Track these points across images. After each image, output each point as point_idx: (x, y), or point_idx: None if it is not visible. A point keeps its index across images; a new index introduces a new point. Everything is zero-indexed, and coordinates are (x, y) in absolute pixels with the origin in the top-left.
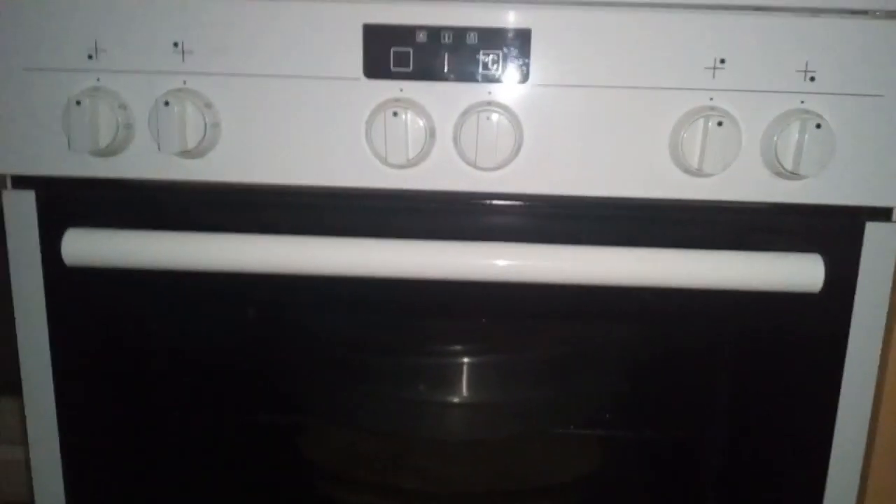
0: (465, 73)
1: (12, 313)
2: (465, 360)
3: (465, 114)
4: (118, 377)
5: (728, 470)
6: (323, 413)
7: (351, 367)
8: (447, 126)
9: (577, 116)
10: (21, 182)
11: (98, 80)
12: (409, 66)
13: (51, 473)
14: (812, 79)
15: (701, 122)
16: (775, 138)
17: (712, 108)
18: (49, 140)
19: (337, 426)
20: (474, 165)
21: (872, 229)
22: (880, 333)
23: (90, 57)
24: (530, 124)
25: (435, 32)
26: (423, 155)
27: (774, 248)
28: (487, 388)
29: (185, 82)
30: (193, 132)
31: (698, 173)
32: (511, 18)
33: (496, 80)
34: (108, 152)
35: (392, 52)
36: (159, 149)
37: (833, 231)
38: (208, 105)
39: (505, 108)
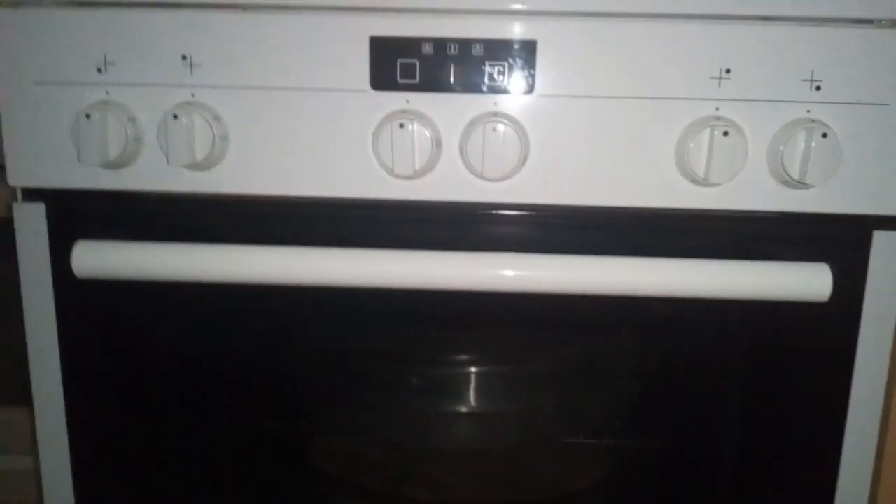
0: (472, 84)
1: (22, 324)
2: (473, 369)
3: (472, 125)
4: (127, 387)
5: (737, 480)
6: (330, 422)
7: (358, 376)
8: (453, 137)
9: (583, 127)
10: (31, 195)
11: (107, 93)
12: (415, 77)
13: (60, 483)
14: (818, 88)
15: (707, 131)
16: (781, 147)
17: (718, 118)
18: (59, 153)
19: (344, 435)
20: (481, 176)
21: (880, 238)
22: (889, 341)
23: (99, 70)
24: (536, 135)
25: (441, 44)
26: (429, 166)
27: (781, 258)
28: (495, 398)
29: (193, 95)
30: (202, 145)
31: (705, 183)
32: (517, 30)
33: (502, 91)
34: (118, 165)
35: (398, 64)
36: (168, 161)
37: (840, 240)
38: (216, 118)
39: (511, 119)
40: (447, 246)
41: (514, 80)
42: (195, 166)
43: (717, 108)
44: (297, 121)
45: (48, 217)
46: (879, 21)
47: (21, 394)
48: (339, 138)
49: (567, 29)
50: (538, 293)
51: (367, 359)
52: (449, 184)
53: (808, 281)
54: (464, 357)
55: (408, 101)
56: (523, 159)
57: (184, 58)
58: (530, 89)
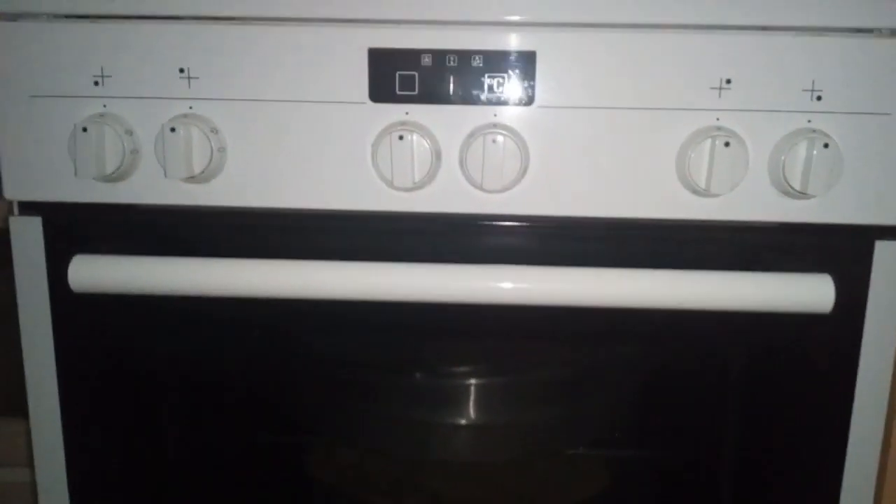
0: (471, 95)
1: (19, 335)
2: (473, 381)
3: (471, 136)
4: (124, 400)
5: (739, 493)
6: (329, 433)
7: (358, 387)
8: (453, 149)
9: (583, 138)
10: (28, 208)
11: (104, 106)
12: (414, 89)
13: (56, 495)
14: (819, 98)
15: (708, 142)
16: (783, 158)
17: (719, 129)
18: (56, 166)
19: (344, 446)
20: (480, 188)
21: (882, 248)
22: (892, 352)
23: (96, 83)
24: (536, 146)
25: (440, 56)
26: (429, 178)
27: (783, 268)
28: (495, 409)
29: (191, 108)
30: (199, 158)
31: (706, 193)
32: (516, 41)
33: (502, 103)
34: (115, 178)
35: (397, 76)
36: (165, 174)
37: (842, 250)
38: (214, 130)
39: (511, 131)
40: (447, 258)
41: (514, 91)
42: (193, 179)
43: (718, 119)
44: (295, 133)
45: (45, 230)
46: (880, 30)
47: (18, 405)
48: (338, 150)
49: (566, 40)
50: (538, 305)
51: (366, 370)
52: (448, 196)
53: (811, 292)
54: (464, 369)
55: (407, 113)
56: (523, 171)
57: (181, 70)
58: (530, 100)
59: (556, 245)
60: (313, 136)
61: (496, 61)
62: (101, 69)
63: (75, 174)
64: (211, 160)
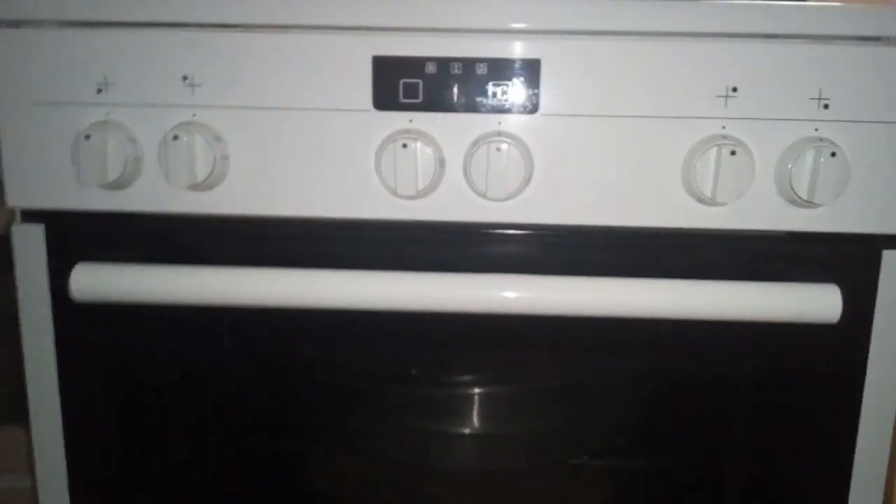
0: (475, 103)
1: (20, 343)
2: (477, 390)
3: (475, 144)
4: (125, 408)
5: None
6: (332, 442)
7: (360, 396)
8: (457, 157)
9: (588, 146)
10: (30, 216)
11: (107, 113)
12: (418, 97)
13: (58, 502)
14: (826, 106)
15: (714, 150)
16: (790, 166)
17: (725, 137)
18: (58, 174)
19: (346, 455)
20: (484, 196)
21: (889, 257)
22: None
23: (99, 91)
24: (540, 154)
25: (444, 63)
26: (432, 186)
27: (790, 278)
28: (499, 419)
29: (194, 115)
30: (203, 165)
31: (712, 202)
32: (520, 49)
33: (506, 111)
34: (117, 186)
35: (401, 84)
36: (168, 182)
37: (849, 259)
38: (217, 138)
39: (515, 139)
40: (451, 267)
41: (518, 99)
42: (196, 187)
43: (724, 127)
44: (299, 141)
45: (47, 238)
46: (887, 38)
47: (20, 412)
48: (342, 158)
49: (571, 47)
50: (543, 315)
51: (370, 379)
52: (452, 204)
53: (818, 302)
54: (468, 378)
55: (411, 121)
56: (527, 179)
57: (185, 78)
58: (534, 108)
59: (561, 254)
60: (317, 143)
61: (500, 69)
62: (104, 76)
63: (78, 182)
64: (214, 168)
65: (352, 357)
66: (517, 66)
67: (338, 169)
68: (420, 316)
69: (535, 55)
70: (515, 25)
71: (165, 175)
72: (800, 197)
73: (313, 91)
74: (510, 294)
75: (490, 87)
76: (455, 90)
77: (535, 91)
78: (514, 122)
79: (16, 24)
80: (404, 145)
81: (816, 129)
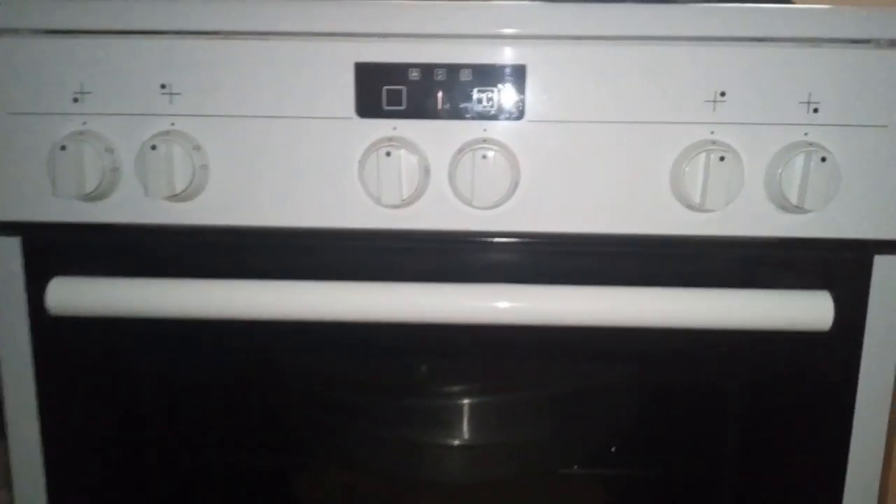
0: (460, 110)
1: None
2: (465, 400)
3: (461, 152)
4: (105, 422)
5: None
6: (320, 454)
7: (348, 407)
8: (442, 164)
9: (575, 153)
10: (6, 228)
11: (84, 123)
12: (401, 104)
13: None
14: (815, 110)
15: (702, 156)
16: (779, 171)
17: (713, 142)
18: (35, 185)
19: (333, 468)
20: (470, 204)
21: (881, 263)
22: (892, 369)
23: (76, 100)
24: (527, 161)
25: (428, 70)
26: (417, 194)
27: (781, 284)
28: (487, 429)
29: (172, 124)
30: (181, 176)
31: (701, 209)
32: (505, 55)
33: (491, 118)
34: (95, 197)
35: (384, 91)
36: (146, 193)
37: (841, 265)
38: (196, 147)
39: (501, 146)
40: (437, 276)
41: (504, 105)
42: (175, 198)
43: (713, 132)
44: (280, 150)
45: (24, 251)
46: (876, 41)
47: None
48: (325, 167)
49: (557, 53)
50: (531, 325)
51: (356, 390)
52: (438, 212)
53: (810, 310)
54: (456, 388)
55: (394, 129)
56: (514, 186)
57: (163, 86)
58: (520, 115)
59: (548, 262)
60: (298, 152)
61: (485, 75)
62: (81, 85)
63: (54, 193)
64: (193, 178)
65: (337, 368)
66: (502, 71)
67: (320, 178)
68: (406, 326)
69: (521, 61)
70: (500, 31)
71: (144, 186)
72: (790, 202)
73: (294, 99)
74: (498, 304)
75: (475, 94)
76: (439, 97)
77: (521, 97)
78: (499, 129)
79: None
80: (388, 153)
81: (806, 134)
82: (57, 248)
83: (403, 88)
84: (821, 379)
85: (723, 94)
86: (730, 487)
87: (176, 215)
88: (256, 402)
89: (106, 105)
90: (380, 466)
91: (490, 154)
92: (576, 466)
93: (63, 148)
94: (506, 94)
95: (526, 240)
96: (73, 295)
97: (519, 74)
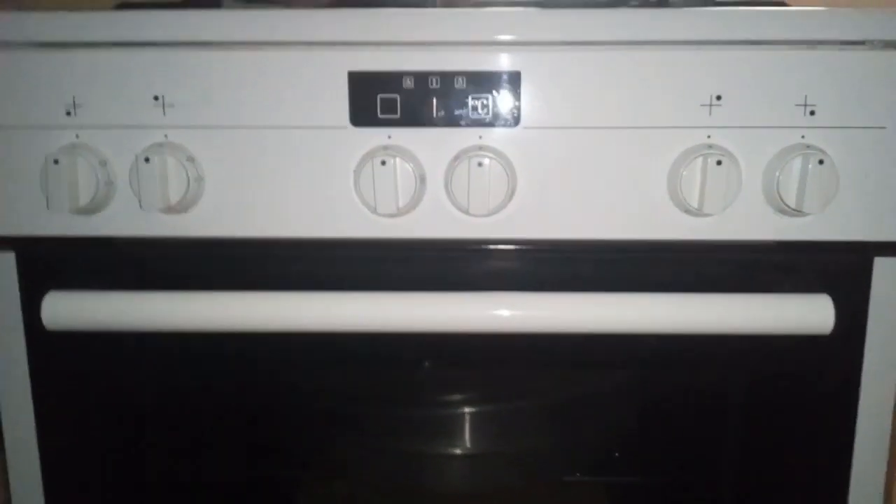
0: (455, 118)
1: None
2: (466, 409)
3: (456, 159)
4: (103, 436)
5: None
6: (320, 466)
7: (346, 418)
8: (438, 172)
9: (572, 159)
10: (0, 243)
11: (77, 136)
12: (396, 112)
13: None
14: (812, 112)
15: (699, 161)
16: (777, 175)
17: (710, 147)
18: (28, 199)
19: (334, 479)
20: (467, 212)
21: (881, 264)
22: (895, 372)
23: (68, 113)
24: (523, 168)
25: (422, 78)
26: (413, 203)
27: (780, 288)
28: (487, 438)
29: (166, 136)
30: (176, 188)
31: (698, 213)
32: (500, 61)
33: (487, 125)
34: (89, 210)
35: (379, 99)
36: (141, 206)
37: (840, 268)
38: (191, 159)
39: (497, 153)
40: (434, 285)
41: (499, 112)
42: (170, 210)
43: (709, 136)
44: (274, 160)
45: (18, 266)
46: (872, 42)
47: None
48: (320, 177)
49: (551, 59)
50: (530, 332)
51: (353, 401)
52: (434, 221)
53: (810, 314)
54: (456, 397)
55: (389, 137)
56: (510, 194)
57: (156, 98)
58: (516, 122)
59: (546, 269)
60: (293, 162)
61: (480, 82)
62: (73, 98)
63: (47, 207)
64: (188, 190)
65: (335, 379)
66: (497, 78)
67: (315, 188)
68: (403, 336)
69: (516, 67)
70: (494, 38)
71: (138, 198)
72: (788, 206)
73: (288, 108)
74: (496, 312)
75: (470, 101)
76: (434, 105)
77: (516, 104)
78: (495, 136)
79: None
80: (383, 162)
81: (803, 137)
82: (52, 263)
83: (398, 97)
84: (822, 383)
85: (719, 97)
86: (732, 493)
87: (171, 227)
88: (254, 415)
89: (99, 118)
90: (380, 477)
91: (486, 161)
92: (578, 474)
93: (56, 161)
94: (501, 101)
95: (523, 247)
96: (69, 309)
97: (514, 81)
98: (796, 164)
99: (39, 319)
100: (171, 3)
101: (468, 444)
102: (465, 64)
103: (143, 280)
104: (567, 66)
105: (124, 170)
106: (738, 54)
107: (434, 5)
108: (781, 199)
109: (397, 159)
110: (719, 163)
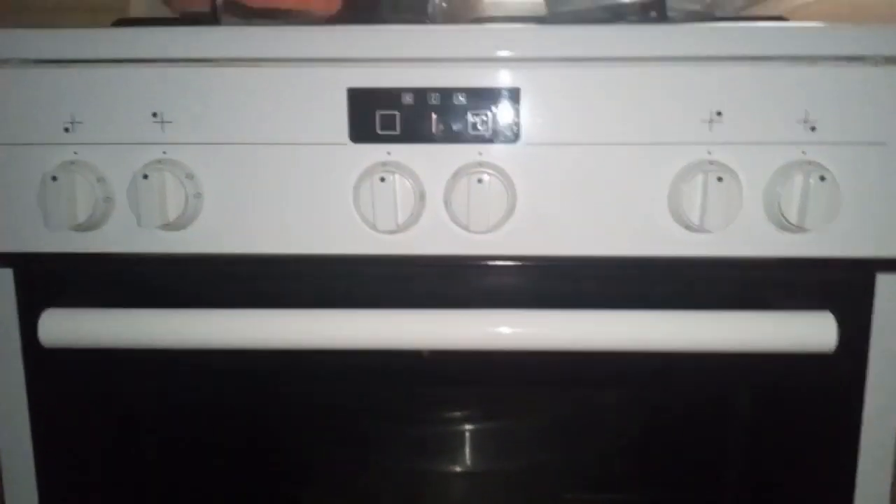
0: (454, 134)
1: None
2: (468, 427)
3: (456, 176)
4: (101, 454)
5: None
6: (322, 483)
7: (345, 435)
8: (437, 189)
9: (572, 175)
10: None
11: (75, 153)
12: (395, 128)
13: None
14: (813, 128)
15: (700, 177)
16: (778, 191)
17: (711, 163)
18: (27, 215)
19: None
20: (466, 229)
21: (883, 281)
22: None
23: (67, 130)
24: (523, 184)
25: (421, 94)
26: (413, 219)
27: (782, 305)
28: (489, 456)
29: (164, 153)
30: (174, 204)
31: (700, 229)
32: (500, 77)
33: (486, 141)
34: (87, 227)
35: (378, 116)
36: (139, 223)
37: (843, 285)
38: (189, 176)
39: (496, 169)
40: (434, 302)
41: (499, 128)
42: (168, 226)
43: (710, 152)
44: (273, 176)
45: (16, 282)
46: (872, 58)
47: None
48: (319, 193)
49: (551, 75)
50: (531, 350)
51: (354, 418)
52: (434, 237)
53: (813, 331)
54: (458, 415)
55: (389, 154)
56: (510, 210)
57: (154, 115)
58: (515, 138)
59: (547, 286)
60: (292, 179)
61: (480, 98)
62: (72, 115)
63: (45, 224)
64: (186, 207)
65: (334, 396)
66: (497, 94)
67: (315, 204)
68: (404, 353)
69: (515, 83)
70: (494, 54)
71: (136, 215)
72: (790, 222)
73: (287, 125)
74: (496, 329)
75: (469, 117)
76: (433, 121)
77: (516, 120)
78: (495, 153)
79: None
80: (382, 179)
81: (804, 152)
82: (49, 280)
83: (397, 113)
84: (826, 400)
85: (719, 113)
86: None
87: (169, 244)
88: (253, 431)
89: (97, 134)
90: (382, 495)
91: (486, 178)
92: (581, 491)
93: (54, 178)
94: (501, 117)
95: (524, 264)
96: (66, 326)
97: (513, 97)
98: (797, 180)
99: (36, 336)
100: (169, 20)
101: (468, 462)
102: (464, 80)
103: (140, 297)
104: (567, 82)
105: (123, 186)
106: (739, 70)
107: (434, 21)
108: (783, 216)
109: (397, 175)
110: (720, 179)
